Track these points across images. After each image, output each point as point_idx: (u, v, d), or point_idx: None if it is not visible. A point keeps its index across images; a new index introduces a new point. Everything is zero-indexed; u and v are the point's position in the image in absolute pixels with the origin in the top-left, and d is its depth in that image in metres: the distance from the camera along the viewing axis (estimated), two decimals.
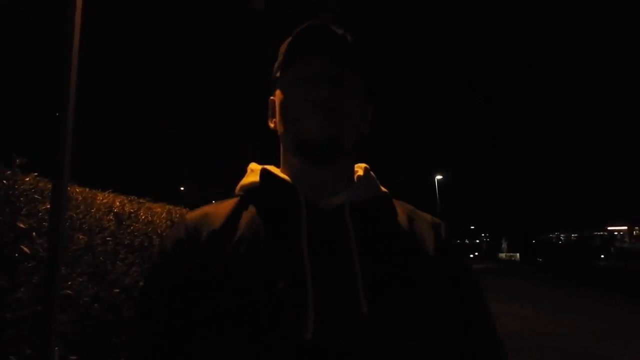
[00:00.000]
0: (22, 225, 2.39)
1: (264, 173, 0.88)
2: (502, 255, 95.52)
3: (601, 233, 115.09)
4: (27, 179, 2.66)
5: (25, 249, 2.34)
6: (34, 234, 2.44)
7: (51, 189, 2.36)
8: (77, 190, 3.58)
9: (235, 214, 0.83)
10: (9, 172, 2.48)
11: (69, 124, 2.29)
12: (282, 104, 0.86)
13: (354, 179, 0.89)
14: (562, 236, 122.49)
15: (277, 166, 0.91)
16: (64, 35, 2.44)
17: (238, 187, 0.92)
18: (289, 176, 0.86)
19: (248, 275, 0.72)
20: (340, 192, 0.84)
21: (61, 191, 2.29)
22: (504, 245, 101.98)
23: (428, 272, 0.80)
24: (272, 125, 0.92)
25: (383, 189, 0.91)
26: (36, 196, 2.63)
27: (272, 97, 0.92)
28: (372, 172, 0.93)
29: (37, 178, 2.78)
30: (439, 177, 33.92)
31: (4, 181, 2.44)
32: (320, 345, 0.67)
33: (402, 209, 0.91)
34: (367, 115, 0.91)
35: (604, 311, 11.46)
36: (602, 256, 73.54)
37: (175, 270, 0.77)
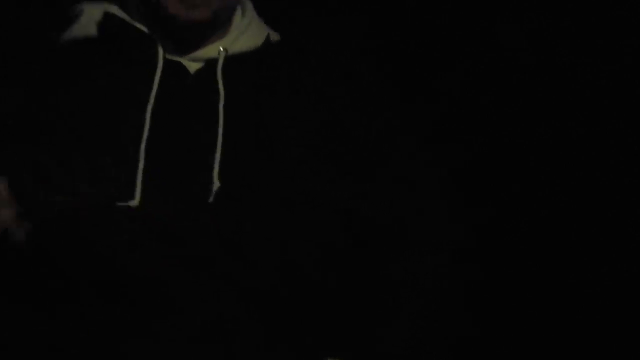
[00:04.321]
0: None
1: (108, 23, 0.68)
2: None
3: None
4: None
5: None
6: None
7: None
8: None
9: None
10: None
11: None
12: None
13: (231, 21, 0.71)
14: None
15: None
16: None
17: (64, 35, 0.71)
18: (141, 15, 0.68)
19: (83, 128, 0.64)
20: (212, 41, 0.68)
21: None
22: None
23: (312, 142, 0.67)
24: None
25: (273, 35, 0.73)
26: None
27: None
28: (256, 14, 0.74)
29: None
30: None
31: None
32: (147, 215, 0.61)
33: (302, 62, 0.74)
34: None
35: None
36: None
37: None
